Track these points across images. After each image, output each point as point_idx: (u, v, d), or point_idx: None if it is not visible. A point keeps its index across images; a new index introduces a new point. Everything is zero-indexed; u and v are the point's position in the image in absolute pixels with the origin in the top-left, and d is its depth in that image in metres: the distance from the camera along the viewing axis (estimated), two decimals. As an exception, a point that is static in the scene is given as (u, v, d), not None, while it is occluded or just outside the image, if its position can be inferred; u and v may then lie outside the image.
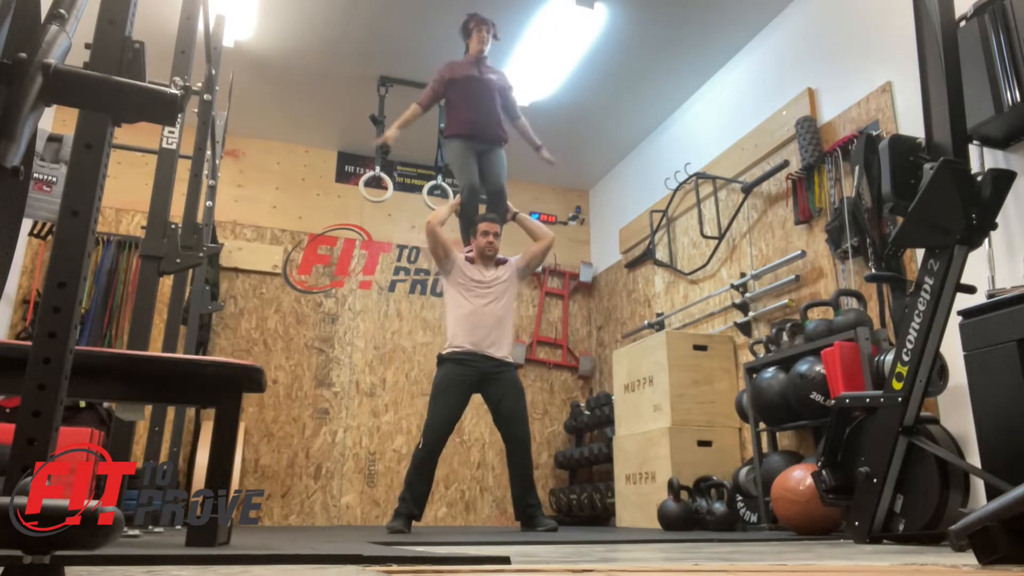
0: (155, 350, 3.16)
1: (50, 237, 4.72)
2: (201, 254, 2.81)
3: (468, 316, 3.68)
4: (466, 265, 3.79)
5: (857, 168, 3.53)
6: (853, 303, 3.56)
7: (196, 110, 3.17)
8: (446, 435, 3.58)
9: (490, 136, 4.05)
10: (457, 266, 3.77)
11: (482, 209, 4.06)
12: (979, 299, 2.40)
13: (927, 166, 2.24)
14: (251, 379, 2.00)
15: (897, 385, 2.27)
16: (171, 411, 3.67)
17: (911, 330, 2.26)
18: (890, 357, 2.87)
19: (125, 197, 5.21)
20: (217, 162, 4.04)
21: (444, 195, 5.14)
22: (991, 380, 2.30)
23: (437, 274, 4.47)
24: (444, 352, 3.72)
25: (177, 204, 2.79)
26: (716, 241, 4.82)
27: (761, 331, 4.33)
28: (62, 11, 0.93)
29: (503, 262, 3.89)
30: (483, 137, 4.02)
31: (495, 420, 3.71)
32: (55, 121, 4.89)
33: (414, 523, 3.52)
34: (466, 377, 3.61)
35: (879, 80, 3.68)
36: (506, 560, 1.45)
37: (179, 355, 2.76)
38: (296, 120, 5.77)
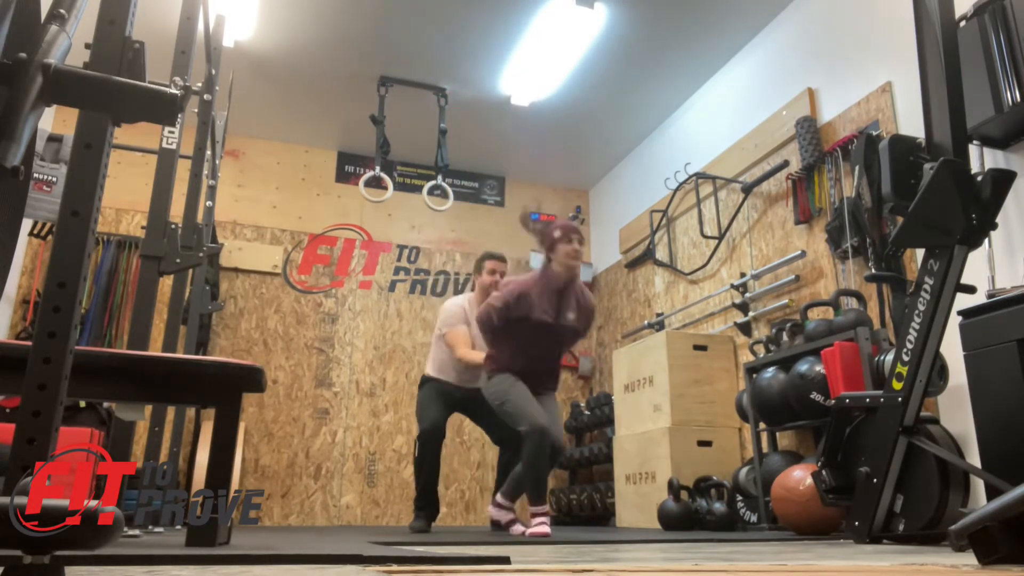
0: (155, 350, 3.16)
1: (50, 237, 4.72)
2: (201, 254, 2.80)
3: (458, 361, 3.69)
4: (472, 323, 3.70)
5: (857, 168, 3.53)
6: (853, 303, 3.56)
7: (196, 110, 3.17)
8: (439, 435, 3.60)
9: (545, 385, 3.32)
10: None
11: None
12: (979, 299, 2.40)
13: (927, 166, 2.24)
14: (251, 379, 2.00)
15: (897, 385, 2.27)
16: (171, 411, 3.67)
17: (911, 330, 2.26)
18: (890, 357, 2.87)
19: (125, 197, 5.21)
20: (217, 162, 4.04)
21: (444, 195, 5.14)
22: (991, 380, 2.30)
23: (439, 274, 4.42)
24: (426, 375, 3.80)
25: (177, 204, 2.80)
26: (716, 241, 4.82)
27: (761, 331, 4.33)
28: (62, 11, 0.93)
29: None
30: (534, 383, 3.24)
31: (489, 432, 3.81)
32: (55, 121, 4.88)
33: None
34: (451, 396, 3.70)
35: (879, 80, 3.68)
36: (506, 560, 1.45)
37: (179, 355, 2.76)
38: (296, 120, 5.77)
